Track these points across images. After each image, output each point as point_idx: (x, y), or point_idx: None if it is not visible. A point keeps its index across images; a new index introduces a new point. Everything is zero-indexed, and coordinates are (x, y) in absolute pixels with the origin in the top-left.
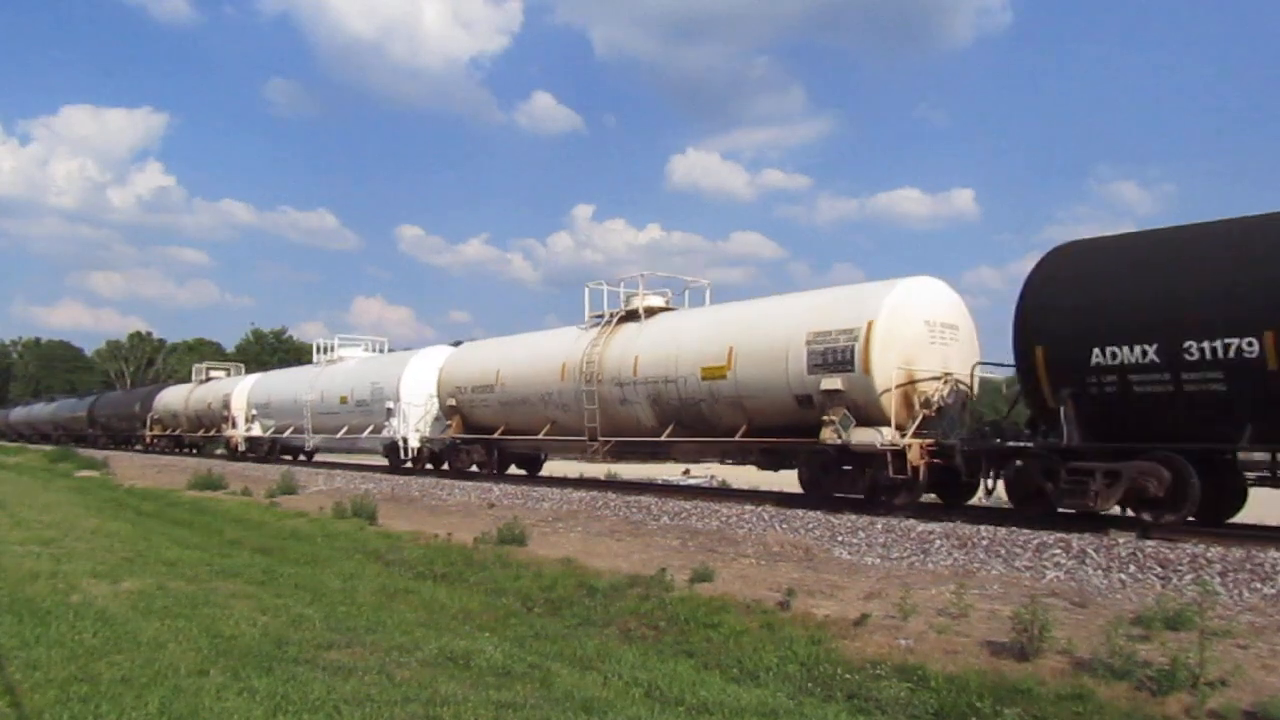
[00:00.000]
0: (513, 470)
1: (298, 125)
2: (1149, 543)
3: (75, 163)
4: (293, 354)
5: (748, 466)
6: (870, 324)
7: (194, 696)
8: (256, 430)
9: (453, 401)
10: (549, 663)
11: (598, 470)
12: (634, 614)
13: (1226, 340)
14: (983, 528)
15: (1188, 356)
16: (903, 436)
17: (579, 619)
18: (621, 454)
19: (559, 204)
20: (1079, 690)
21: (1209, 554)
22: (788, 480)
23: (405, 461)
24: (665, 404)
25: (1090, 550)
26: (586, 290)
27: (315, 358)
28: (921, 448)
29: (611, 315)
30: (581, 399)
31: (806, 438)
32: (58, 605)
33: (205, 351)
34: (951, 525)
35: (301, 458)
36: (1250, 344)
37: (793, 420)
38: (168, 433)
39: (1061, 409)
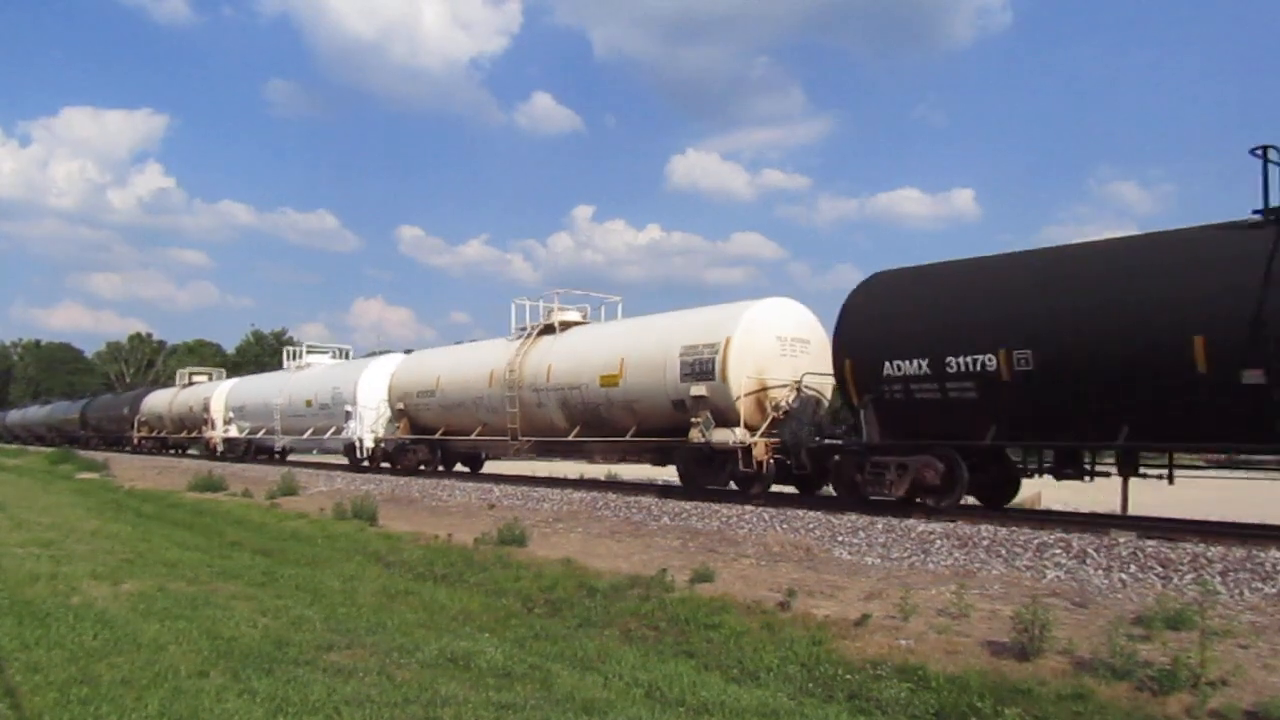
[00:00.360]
0: (459, 468)
1: (298, 126)
2: (1150, 542)
3: (75, 164)
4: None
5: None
6: (728, 339)
7: (194, 698)
8: (233, 432)
9: (401, 405)
10: (549, 664)
11: (598, 471)
12: (634, 615)
13: (974, 356)
14: (983, 527)
15: (949, 369)
16: (752, 436)
17: (579, 620)
18: (540, 452)
19: (559, 205)
20: (1080, 690)
21: (1210, 553)
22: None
23: (363, 460)
24: (573, 407)
25: (1091, 550)
26: (513, 306)
27: (285, 364)
28: (766, 445)
29: (532, 328)
30: (505, 403)
31: (681, 437)
32: (58, 607)
33: (205, 353)
34: (952, 525)
35: (276, 456)
36: (990, 359)
37: (671, 422)
38: (154, 434)
39: (863, 412)
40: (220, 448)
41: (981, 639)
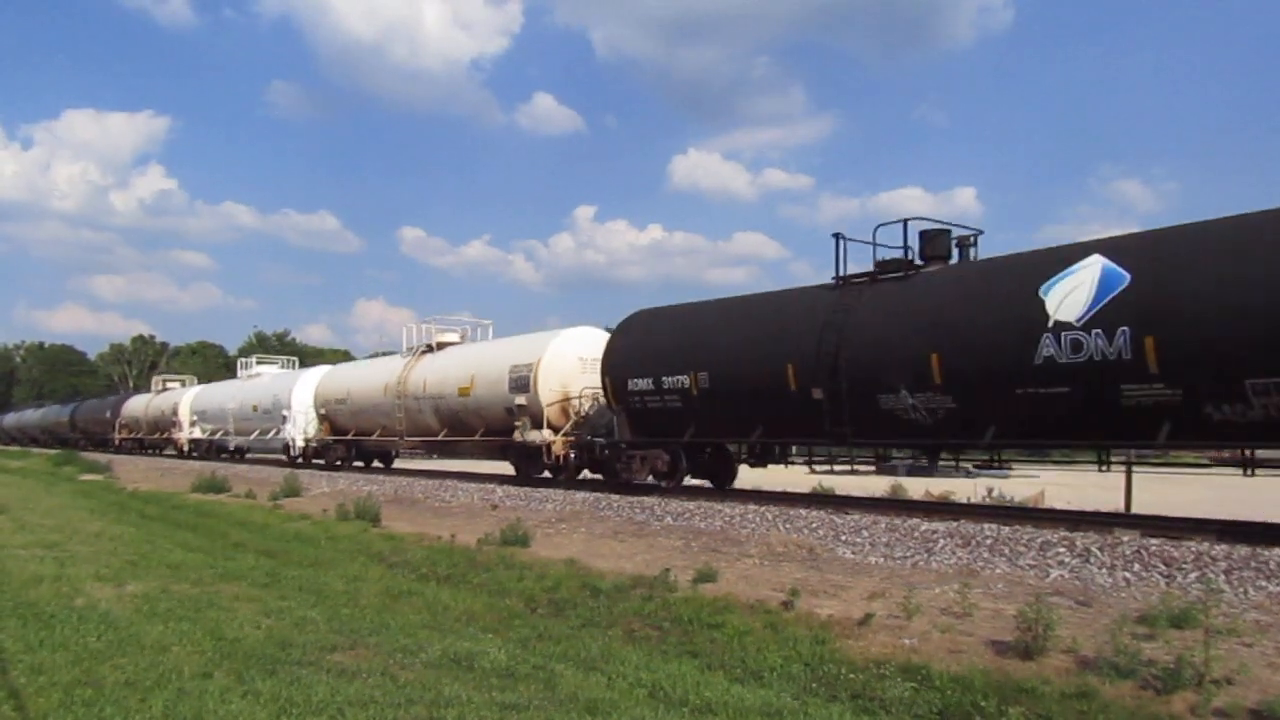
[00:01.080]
0: (376, 464)
1: (299, 128)
2: (1153, 541)
3: (77, 167)
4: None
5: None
6: (539, 360)
7: (198, 699)
8: (197, 433)
9: (323, 410)
10: (553, 664)
11: None
12: (638, 615)
13: (677, 377)
14: (986, 526)
15: (664, 386)
16: (555, 435)
17: (583, 620)
18: (422, 450)
19: (560, 205)
20: (1084, 689)
21: (1214, 552)
22: (787, 480)
23: (296, 457)
24: (442, 413)
25: (1095, 549)
26: (404, 329)
27: (239, 373)
28: (564, 442)
29: (417, 348)
30: (395, 409)
31: (510, 437)
32: (62, 609)
33: (208, 355)
34: (955, 524)
35: (234, 454)
36: (686, 379)
37: (505, 425)
38: (132, 435)
39: (616, 417)
40: (186, 447)
41: (985, 638)
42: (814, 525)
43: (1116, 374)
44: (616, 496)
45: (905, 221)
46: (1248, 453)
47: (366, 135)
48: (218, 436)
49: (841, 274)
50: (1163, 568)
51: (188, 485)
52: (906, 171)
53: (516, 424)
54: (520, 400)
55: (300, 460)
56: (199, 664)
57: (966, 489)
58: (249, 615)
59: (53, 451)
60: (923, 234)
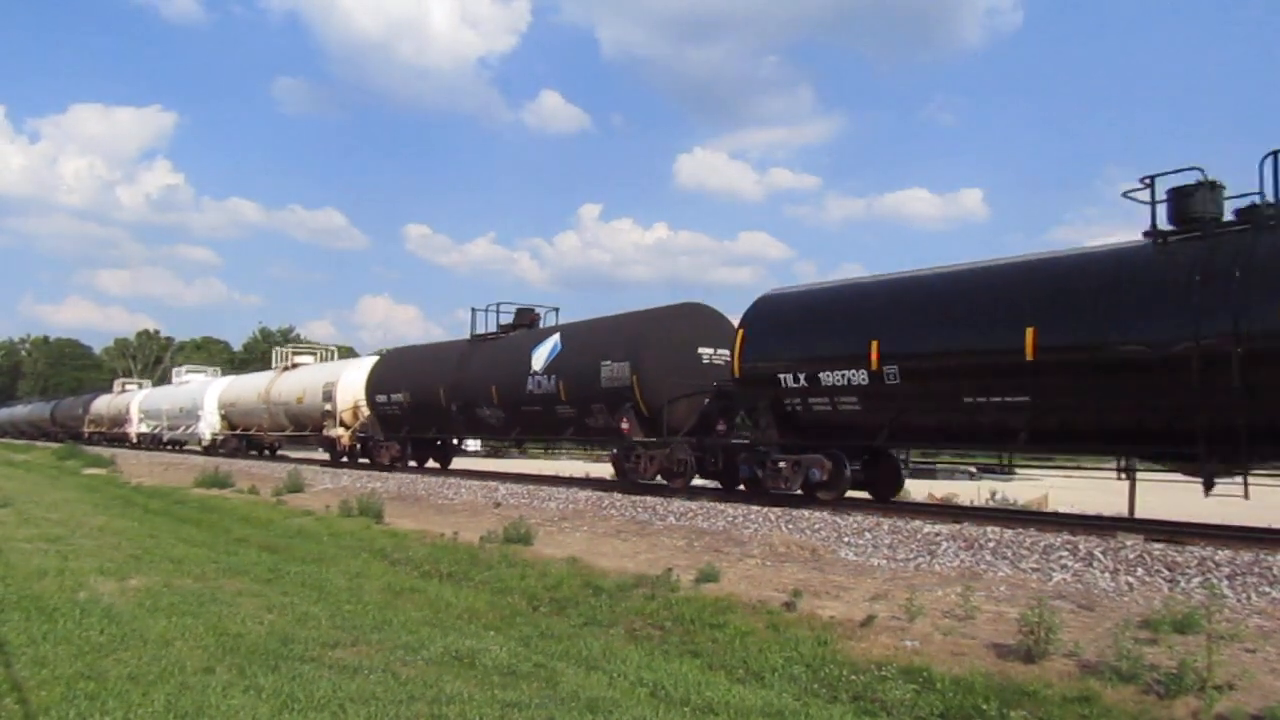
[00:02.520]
0: (267, 454)
1: (306, 124)
2: (1156, 546)
3: (84, 161)
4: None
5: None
6: (336, 380)
7: (200, 694)
8: (144, 428)
9: (224, 411)
10: (554, 662)
11: (604, 470)
12: (639, 614)
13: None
14: (989, 529)
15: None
16: (345, 430)
17: (584, 618)
18: (281, 443)
19: (566, 203)
20: (1085, 693)
21: (1217, 557)
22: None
23: (217, 450)
24: (290, 415)
25: (1097, 553)
26: (275, 351)
27: (174, 379)
28: (350, 437)
29: (281, 366)
30: (263, 411)
31: (324, 432)
32: (65, 602)
33: (213, 350)
34: (958, 527)
35: (170, 446)
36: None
37: (323, 424)
38: (99, 430)
39: (374, 418)
40: (135, 438)
41: (987, 641)
42: (816, 526)
43: (554, 400)
44: (619, 495)
45: (516, 309)
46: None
47: (373, 132)
48: (156, 430)
49: (474, 334)
50: (1166, 572)
51: (191, 480)
52: (913, 172)
53: (325, 423)
54: (330, 406)
55: (208, 449)
56: (201, 659)
57: (970, 492)
58: (251, 611)
59: (56, 445)
60: (518, 310)
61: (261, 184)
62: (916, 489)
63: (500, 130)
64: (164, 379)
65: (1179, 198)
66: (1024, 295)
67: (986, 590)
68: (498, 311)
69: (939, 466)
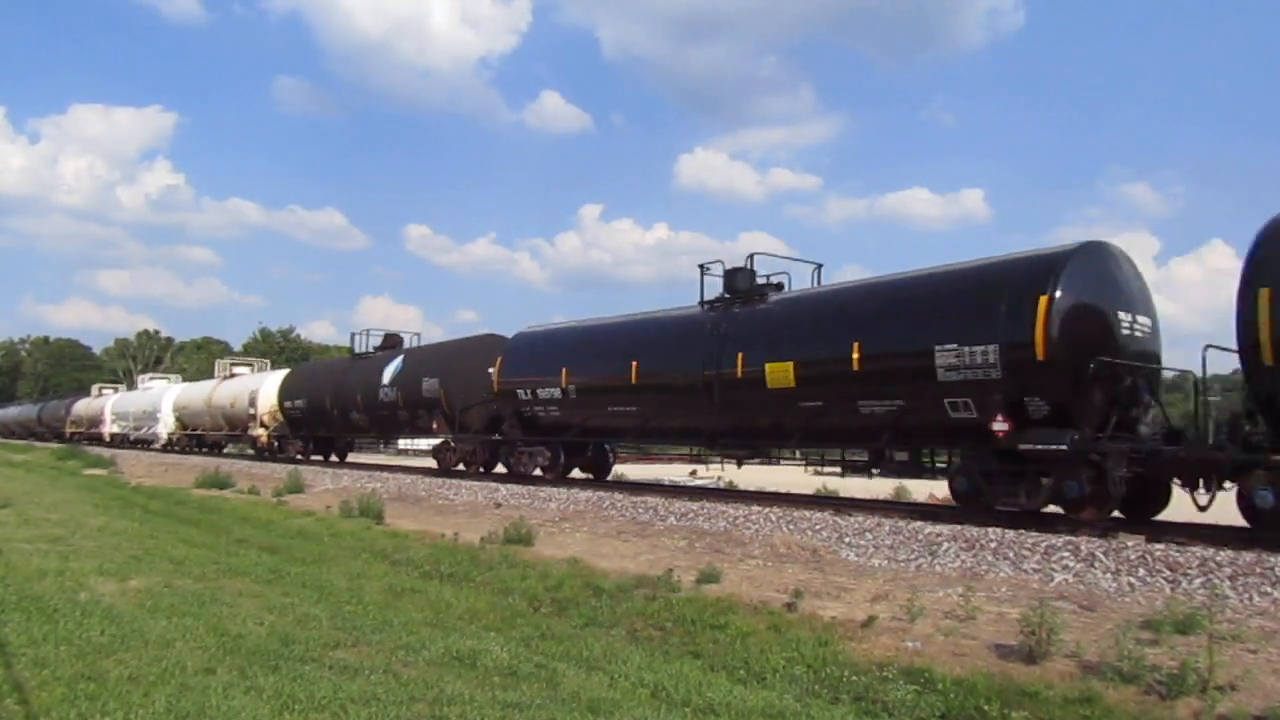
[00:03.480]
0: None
1: (306, 124)
2: (1158, 546)
3: (84, 161)
4: (299, 353)
5: (745, 467)
6: (258, 388)
7: (201, 695)
8: (115, 429)
9: (177, 414)
10: (555, 663)
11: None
12: (640, 615)
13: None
14: (991, 530)
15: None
16: (264, 430)
17: (585, 619)
18: (225, 440)
19: (566, 204)
20: (1087, 693)
21: (1219, 557)
22: (791, 481)
23: (174, 448)
24: (226, 417)
25: (1099, 553)
26: (215, 363)
27: (138, 385)
28: (268, 435)
29: (221, 376)
30: (207, 414)
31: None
32: (65, 603)
33: (213, 350)
34: (959, 528)
35: (153, 446)
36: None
37: (249, 424)
38: (79, 430)
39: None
40: (109, 438)
41: (988, 641)
42: (817, 527)
43: (395, 406)
44: (620, 496)
45: (385, 334)
46: None
47: (374, 132)
48: (125, 430)
49: (354, 353)
50: (1167, 573)
51: (191, 481)
52: (914, 172)
53: (250, 424)
54: (252, 410)
55: (165, 448)
56: (202, 660)
57: None
58: (252, 611)
59: (56, 446)
60: (386, 335)
61: (262, 184)
62: (917, 489)
63: (501, 130)
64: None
65: (727, 276)
66: (629, 342)
67: (988, 591)
68: (368, 335)
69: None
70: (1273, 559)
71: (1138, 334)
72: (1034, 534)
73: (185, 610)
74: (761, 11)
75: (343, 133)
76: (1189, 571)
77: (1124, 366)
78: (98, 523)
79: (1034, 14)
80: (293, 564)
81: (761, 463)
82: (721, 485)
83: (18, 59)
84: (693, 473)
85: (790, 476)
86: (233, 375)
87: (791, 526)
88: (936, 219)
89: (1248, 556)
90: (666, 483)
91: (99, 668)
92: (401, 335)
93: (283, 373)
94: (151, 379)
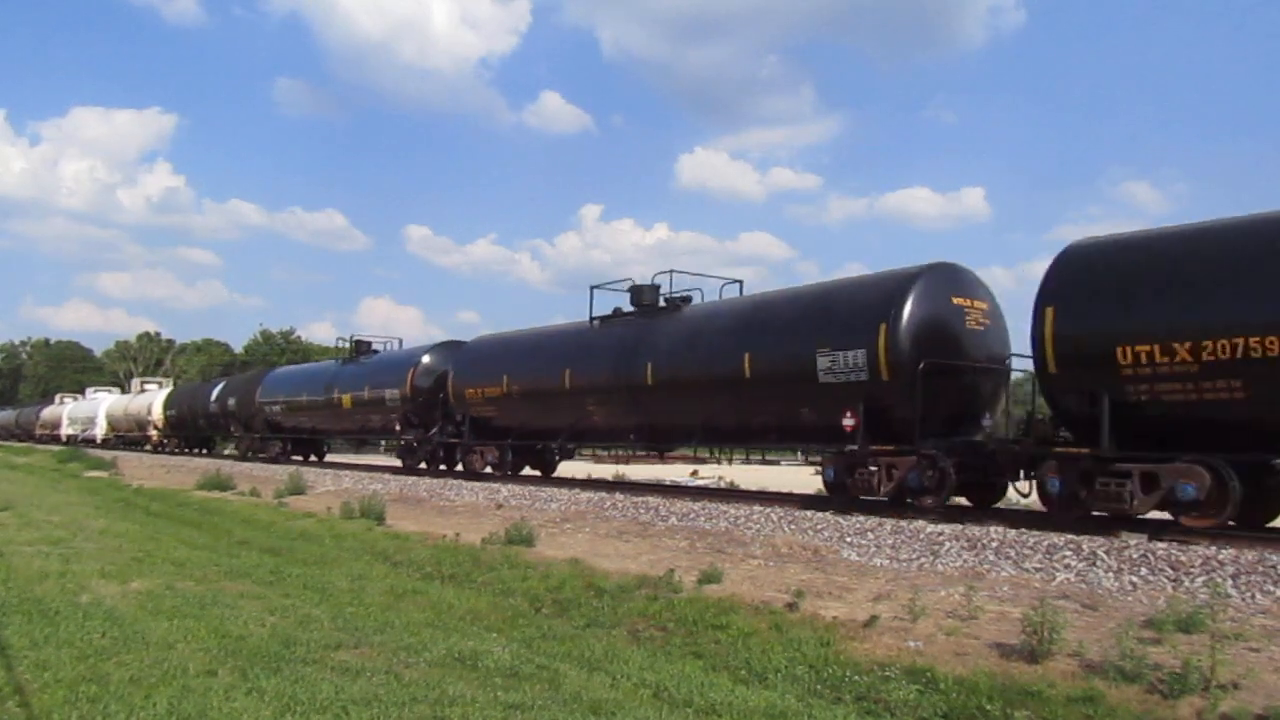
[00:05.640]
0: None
1: (307, 126)
2: (1160, 545)
3: (84, 164)
4: (300, 354)
5: (749, 468)
6: (154, 400)
7: (202, 696)
8: (71, 431)
9: (109, 420)
10: (557, 663)
11: (605, 471)
12: (642, 615)
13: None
14: (992, 529)
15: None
16: (155, 431)
17: (587, 620)
18: (140, 440)
19: (567, 204)
20: (1089, 693)
21: (1221, 556)
22: (793, 481)
23: (107, 444)
24: (138, 422)
25: (1101, 552)
26: (132, 381)
27: (88, 394)
28: (158, 435)
29: (136, 389)
30: (124, 420)
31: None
32: (67, 605)
33: (214, 352)
34: (961, 527)
35: (85, 443)
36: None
37: (147, 428)
38: (46, 431)
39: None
40: (65, 439)
41: (991, 641)
42: (819, 527)
43: (218, 416)
44: (621, 496)
45: (242, 364)
46: None
47: (374, 133)
48: (75, 431)
49: (210, 377)
50: (1170, 572)
51: (193, 483)
52: (915, 171)
53: (148, 428)
54: (150, 417)
55: (103, 444)
56: (203, 661)
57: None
58: (253, 613)
59: (57, 448)
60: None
61: (262, 186)
62: None
63: (501, 131)
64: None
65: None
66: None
67: (990, 590)
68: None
69: None
70: (1275, 557)
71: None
72: (1036, 533)
73: (187, 612)
74: (762, 11)
75: (343, 134)
76: (1191, 570)
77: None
78: (99, 525)
79: (1035, 12)
80: (294, 565)
81: (763, 462)
82: (723, 485)
83: (18, 62)
84: (694, 473)
85: (791, 476)
86: (144, 390)
87: (793, 526)
88: (937, 218)
89: (1250, 555)
90: (668, 483)
91: (100, 670)
92: (248, 364)
93: (167, 390)
94: (96, 391)
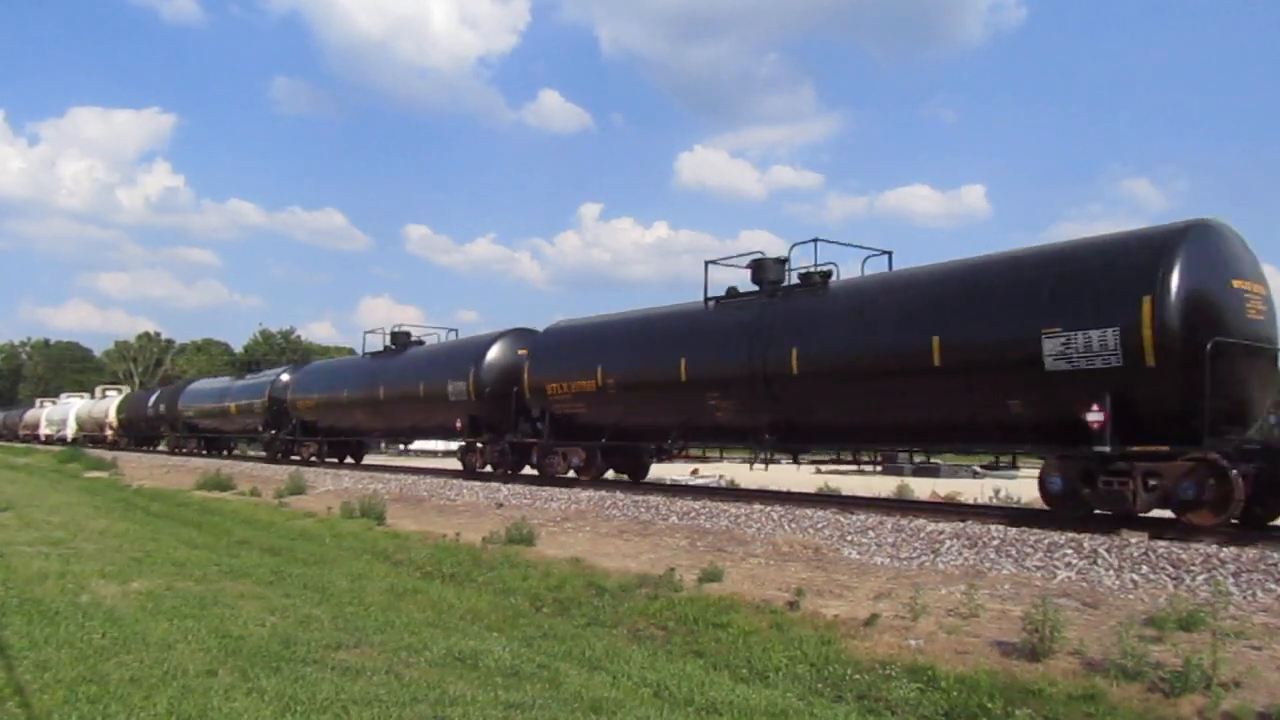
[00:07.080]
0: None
1: (306, 125)
2: (1161, 543)
3: (83, 164)
4: (300, 354)
5: (751, 468)
6: (111, 404)
7: (202, 697)
8: (49, 432)
9: (79, 422)
10: (557, 663)
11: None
12: (642, 614)
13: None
14: (993, 527)
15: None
16: (110, 432)
17: (587, 619)
18: (104, 439)
19: (566, 203)
20: (1090, 691)
21: (1222, 554)
22: (793, 480)
23: (78, 442)
24: (99, 424)
25: (1102, 550)
26: (96, 389)
27: (59, 399)
28: (114, 434)
29: (99, 395)
30: (89, 422)
31: (102, 433)
32: (67, 605)
33: (213, 352)
34: (962, 525)
35: (60, 441)
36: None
37: (106, 429)
38: (28, 431)
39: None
40: (43, 438)
41: (991, 639)
42: (820, 525)
43: (159, 419)
44: (622, 495)
45: (179, 378)
46: None
47: (373, 132)
48: (51, 432)
49: (153, 385)
50: (1171, 570)
51: (193, 483)
52: (915, 169)
53: (106, 429)
54: (107, 419)
55: (74, 442)
56: (204, 661)
57: (974, 490)
58: (254, 613)
59: (57, 449)
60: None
61: (261, 185)
62: (919, 487)
63: (500, 130)
64: (165, 381)
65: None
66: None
67: (990, 588)
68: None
69: (943, 464)
70: (1276, 555)
71: None
72: (1036, 531)
73: (187, 612)
74: (761, 9)
75: (342, 133)
76: (1192, 568)
77: None
78: (99, 525)
79: (1036, 10)
80: (294, 565)
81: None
82: (723, 484)
83: (16, 62)
84: (694, 471)
85: (792, 475)
86: (105, 395)
87: (794, 525)
88: (938, 216)
89: (1251, 553)
90: (668, 482)
91: (101, 670)
92: (181, 373)
93: (120, 397)
94: (68, 396)
